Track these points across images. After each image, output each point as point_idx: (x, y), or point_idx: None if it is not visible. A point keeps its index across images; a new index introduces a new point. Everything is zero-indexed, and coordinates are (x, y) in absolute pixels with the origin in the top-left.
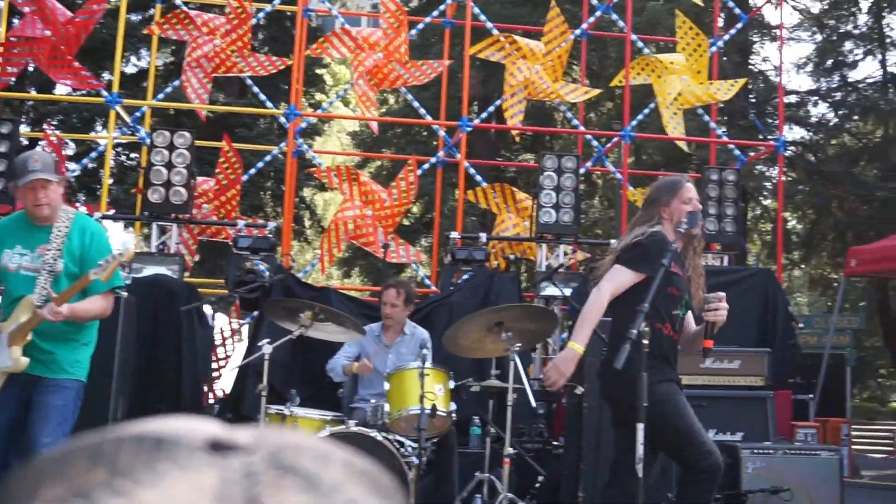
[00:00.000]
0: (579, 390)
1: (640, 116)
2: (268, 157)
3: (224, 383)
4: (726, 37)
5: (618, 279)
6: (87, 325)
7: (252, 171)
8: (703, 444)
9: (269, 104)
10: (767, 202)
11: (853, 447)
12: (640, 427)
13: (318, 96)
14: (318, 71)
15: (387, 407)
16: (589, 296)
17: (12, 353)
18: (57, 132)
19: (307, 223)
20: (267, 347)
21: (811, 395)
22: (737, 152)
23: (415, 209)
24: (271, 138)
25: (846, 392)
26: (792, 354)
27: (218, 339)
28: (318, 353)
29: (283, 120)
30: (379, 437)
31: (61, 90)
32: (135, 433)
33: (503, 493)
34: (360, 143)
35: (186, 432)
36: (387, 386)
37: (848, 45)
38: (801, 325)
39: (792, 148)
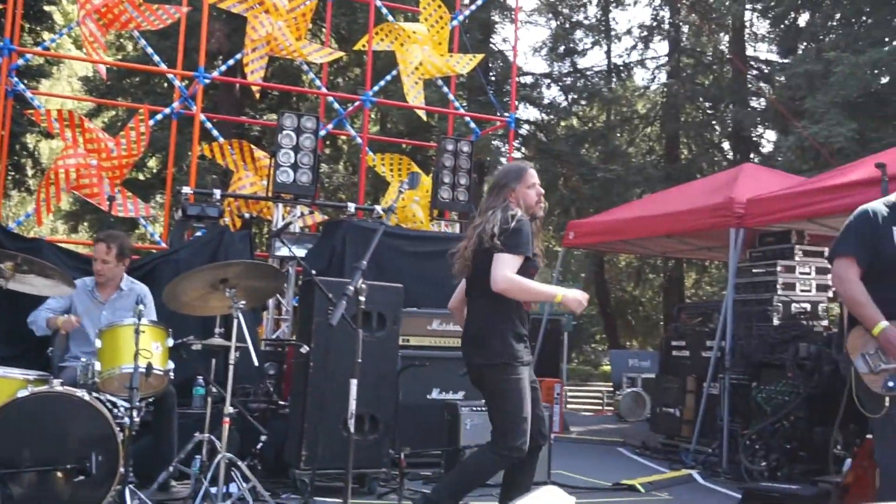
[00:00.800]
0: (305, 349)
1: (381, 83)
2: None
3: None
4: (467, 12)
5: (513, 266)
6: None
7: None
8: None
9: None
10: None
11: (568, 406)
12: (354, 383)
13: (46, 35)
14: (45, 7)
15: (98, 365)
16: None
17: None
18: None
19: (30, 172)
20: None
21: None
22: (472, 125)
23: (151, 163)
24: None
25: (562, 355)
26: None
27: None
28: (24, 310)
29: None
30: (87, 397)
31: None
32: None
33: (222, 452)
34: (93, 89)
35: None
36: (98, 343)
37: (579, 33)
38: None
39: (525, 127)
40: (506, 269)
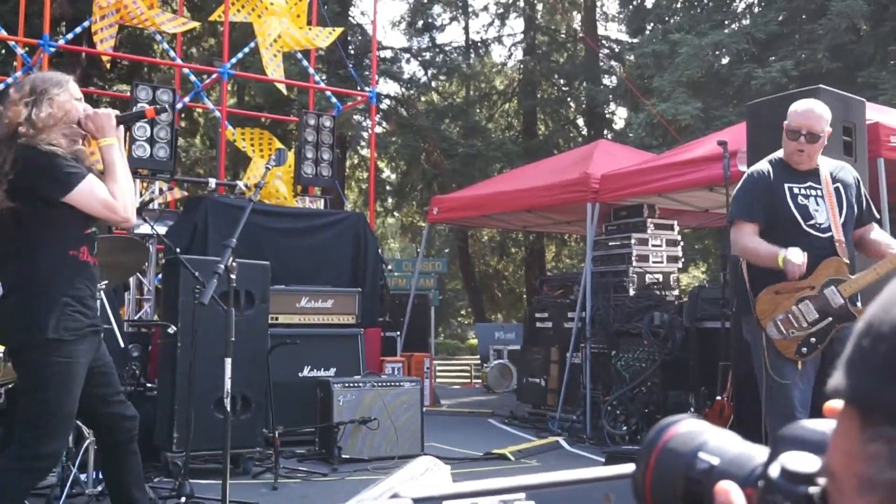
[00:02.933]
0: (172, 329)
1: (239, 55)
2: None
3: None
4: None
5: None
6: None
7: None
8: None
9: None
10: (364, 152)
11: (436, 380)
12: (228, 362)
13: None
14: None
15: None
16: None
17: None
18: None
19: None
20: None
21: (398, 333)
22: (334, 100)
23: None
24: None
25: (430, 330)
26: (381, 295)
27: None
28: None
29: None
30: None
31: None
32: None
33: (89, 437)
34: None
35: None
36: None
37: (437, 9)
38: (389, 268)
39: (386, 101)
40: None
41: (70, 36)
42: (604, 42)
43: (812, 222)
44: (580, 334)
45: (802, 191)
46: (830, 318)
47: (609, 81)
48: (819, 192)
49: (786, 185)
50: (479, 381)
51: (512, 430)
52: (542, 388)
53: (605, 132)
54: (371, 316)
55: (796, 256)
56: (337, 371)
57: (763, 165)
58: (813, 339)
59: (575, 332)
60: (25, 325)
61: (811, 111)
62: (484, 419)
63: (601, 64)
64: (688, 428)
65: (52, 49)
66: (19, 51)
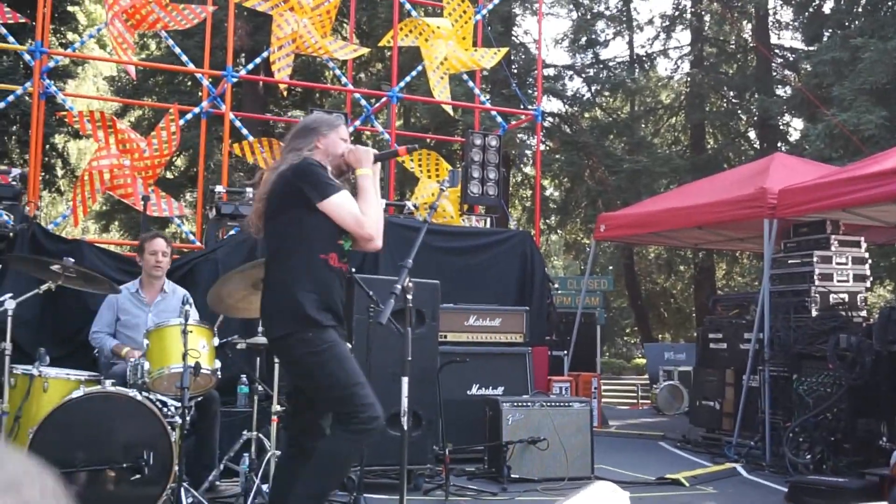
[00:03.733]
0: (347, 346)
1: (407, 78)
2: (10, 98)
3: None
4: (490, 6)
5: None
6: None
7: None
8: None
9: (10, 39)
10: (528, 169)
11: (602, 400)
12: (405, 381)
13: (71, 36)
14: (69, 8)
15: (147, 365)
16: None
17: None
18: None
19: (59, 172)
20: (10, 303)
21: (565, 352)
22: (499, 119)
23: (179, 162)
24: (15, 78)
25: (596, 349)
26: (548, 313)
27: None
28: (70, 310)
29: (27, 58)
30: (139, 397)
31: None
32: None
33: (271, 450)
34: (119, 89)
35: None
36: (146, 343)
37: (600, 24)
38: (556, 286)
39: (550, 119)
40: (350, 215)
41: (250, 66)
42: (777, 51)
43: None
44: (757, 356)
45: None
46: None
47: (783, 92)
48: None
49: None
50: (648, 402)
51: (685, 455)
52: (717, 411)
53: (780, 145)
54: (538, 334)
55: None
56: (505, 390)
57: None
58: None
59: (752, 354)
60: (282, 317)
61: None
62: (655, 442)
63: (774, 74)
64: None
65: (235, 79)
66: (205, 82)
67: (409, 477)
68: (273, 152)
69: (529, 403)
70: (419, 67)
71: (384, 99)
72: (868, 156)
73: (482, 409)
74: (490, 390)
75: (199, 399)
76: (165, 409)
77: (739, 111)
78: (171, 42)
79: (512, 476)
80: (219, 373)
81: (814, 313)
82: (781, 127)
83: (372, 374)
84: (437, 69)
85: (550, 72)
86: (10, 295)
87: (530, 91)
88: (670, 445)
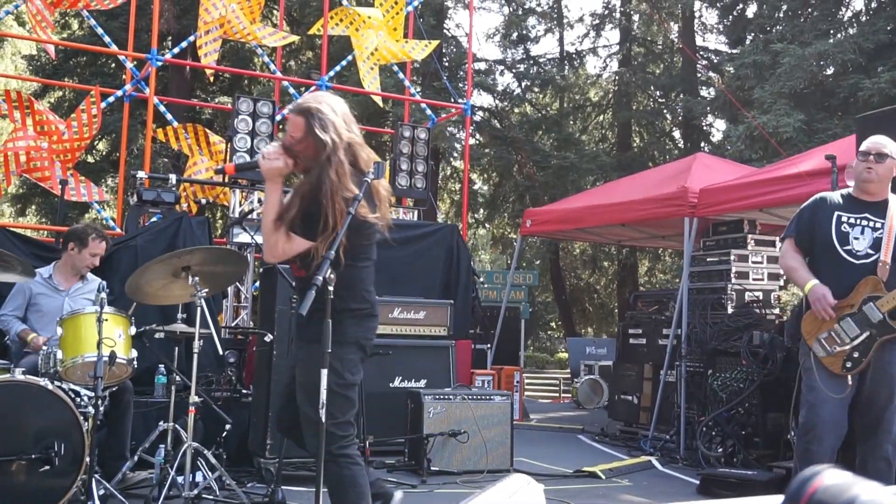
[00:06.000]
0: (268, 338)
1: (337, 67)
2: None
3: None
4: None
5: None
6: None
7: None
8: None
9: None
10: (457, 163)
11: (525, 393)
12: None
13: None
14: None
15: (60, 354)
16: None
17: None
18: None
19: None
20: None
21: (489, 345)
22: (429, 112)
23: (101, 146)
24: None
25: (520, 343)
26: (472, 307)
27: None
28: None
29: None
30: (50, 387)
31: None
32: None
33: (188, 441)
34: (38, 69)
35: None
36: (60, 331)
37: (531, 20)
38: (482, 280)
39: (479, 113)
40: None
41: (176, 50)
42: (702, 53)
43: (848, 248)
44: (675, 352)
45: (852, 220)
46: (870, 333)
47: (707, 93)
48: (873, 224)
49: (836, 213)
50: (569, 396)
51: (603, 448)
52: (635, 405)
53: (703, 145)
54: (462, 328)
55: (815, 292)
56: (427, 383)
57: (831, 193)
58: (856, 354)
59: (670, 350)
60: None
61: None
62: (574, 435)
63: (699, 75)
64: (833, 480)
65: (160, 63)
66: (128, 64)
67: (321, 469)
68: (198, 139)
69: (451, 396)
70: (349, 57)
71: (313, 88)
72: (785, 158)
73: (404, 401)
74: (412, 383)
75: (114, 389)
76: (78, 399)
77: (665, 111)
78: (93, 22)
79: (432, 469)
80: (135, 363)
81: (730, 310)
82: (705, 127)
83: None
84: (368, 59)
85: (481, 66)
86: None
87: (461, 85)
88: (588, 439)
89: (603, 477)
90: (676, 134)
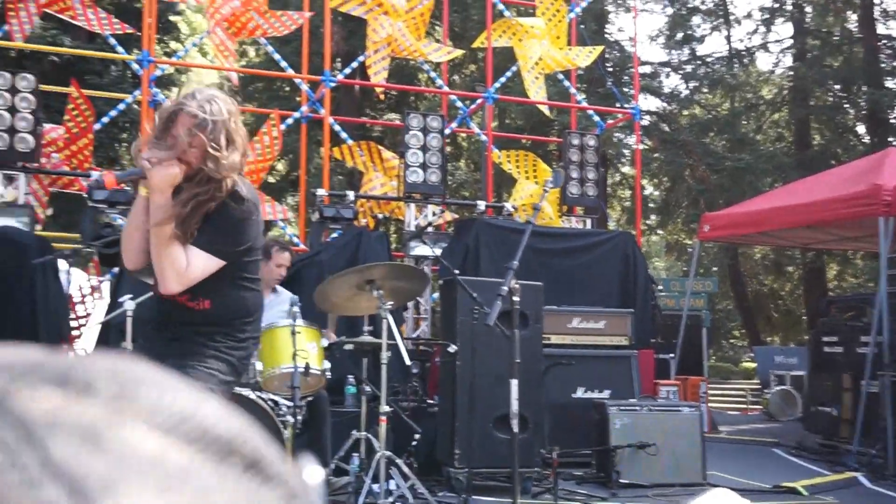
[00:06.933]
0: (452, 348)
1: (502, 79)
2: (121, 106)
3: (85, 342)
4: (583, 3)
5: None
6: None
7: (105, 119)
8: None
9: (119, 49)
10: (626, 169)
11: (710, 404)
12: (514, 383)
13: (174, 45)
14: (172, 18)
15: (259, 365)
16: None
17: None
18: None
19: None
20: (129, 304)
21: (671, 355)
22: (596, 118)
23: (279, 166)
24: (124, 87)
25: (703, 352)
26: (652, 315)
27: (77, 297)
28: None
29: (136, 67)
30: (252, 396)
31: None
32: None
33: (380, 450)
34: None
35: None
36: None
37: (696, 19)
38: (659, 288)
39: (647, 117)
40: None
41: (347, 71)
42: (885, 42)
43: None
44: (877, 361)
45: None
46: None
47: (893, 84)
48: None
49: None
50: (759, 407)
51: (800, 462)
52: (834, 417)
53: (890, 139)
54: (643, 337)
55: None
56: (611, 393)
57: None
58: None
59: (870, 359)
60: None
61: None
62: (768, 448)
63: (882, 65)
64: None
65: (333, 84)
66: (304, 87)
67: (517, 480)
68: (372, 156)
69: (637, 407)
70: (514, 68)
71: (480, 100)
72: None
73: (588, 412)
74: (596, 394)
75: (310, 399)
76: (277, 409)
77: (846, 105)
78: (270, 48)
79: (621, 481)
80: (328, 373)
81: None
82: (893, 120)
83: (476, 377)
84: (532, 69)
85: (646, 69)
86: (129, 296)
87: (626, 89)
88: (784, 452)
89: (805, 494)
90: (860, 129)
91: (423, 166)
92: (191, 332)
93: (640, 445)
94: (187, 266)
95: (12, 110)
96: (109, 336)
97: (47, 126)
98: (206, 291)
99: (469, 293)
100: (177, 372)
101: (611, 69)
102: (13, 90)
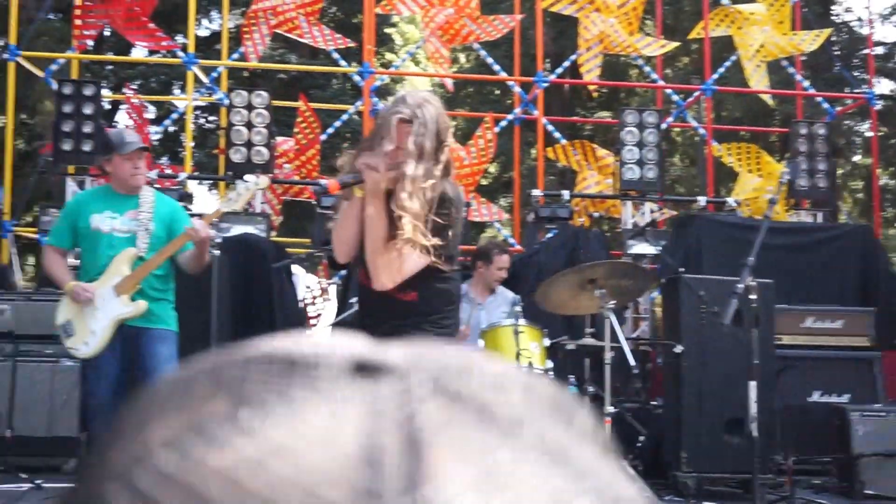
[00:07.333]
0: (678, 349)
1: (720, 70)
2: (344, 117)
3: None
4: None
5: None
6: (171, 284)
7: (329, 130)
8: None
9: (342, 63)
10: (856, 158)
11: None
12: (753, 385)
13: (388, 56)
14: (386, 30)
15: None
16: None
17: (124, 300)
18: (138, 95)
19: None
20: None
21: None
22: (825, 105)
23: (492, 168)
24: (345, 98)
25: None
26: None
27: (308, 299)
28: None
29: (357, 79)
30: None
31: (138, 54)
32: (264, 353)
33: None
34: None
35: (325, 352)
36: (481, 343)
37: None
38: None
39: (881, 102)
40: None
41: (559, 70)
42: None
43: None
44: None
45: None
46: None
47: None
48: None
49: None
50: None
51: None
52: None
53: None
54: (886, 337)
55: None
56: (851, 398)
57: None
58: None
59: None
60: None
61: None
62: None
63: None
64: None
65: (545, 84)
66: (516, 89)
67: (748, 486)
68: (586, 154)
69: (883, 413)
70: (733, 57)
71: (697, 93)
72: None
73: (825, 417)
74: (833, 398)
75: None
76: None
77: None
78: (483, 53)
79: (866, 492)
80: (551, 373)
81: None
82: None
83: (704, 379)
84: (753, 57)
85: (879, 50)
86: (357, 298)
87: (855, 74)
88: None
89: None
90: None
91: (640, 163)
92: (401, 323)
93: (888, 454)
94: (401, 264)
95: (249, 125)
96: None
97: (279, 139)
98: (412, 284)
99: (695, 292)
100: None
101: (838, 52)
102: (249, 106)
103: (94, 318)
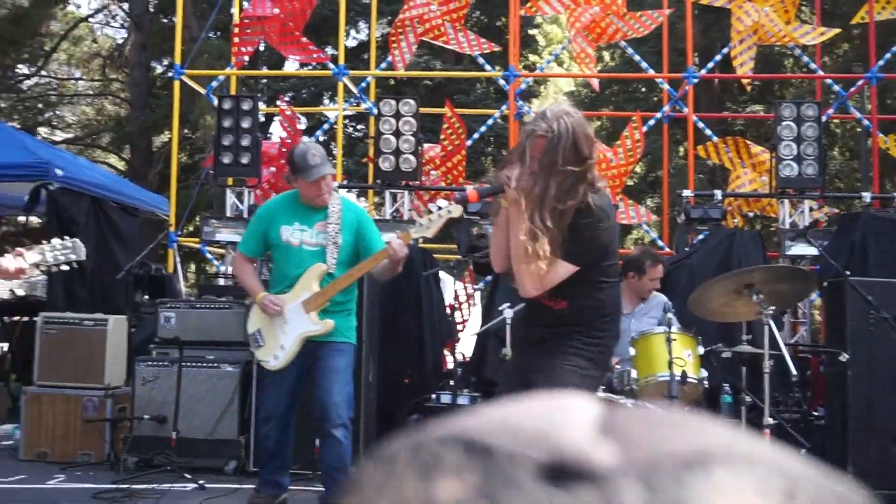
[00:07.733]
0: (843, 357)
1: (887, 55)
2: (489, 121)
3: (462, 347)
4: None
5: None
6: (354, 293)
7: (475, 135)
8: None
9: (488, 67)
10: None
11: None
12: None
13: (532, 58)
14: (529, 31)
15: (634, 373)
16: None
17: (312, 318)
18: (291, 107)
19: None
20: (508, 312)
21: None
22: None
23: (638, 168)
24: (488, 103)
25: None
26: None
27: (455, 304)
28: None
29: (502, 82)
30: (630, 405)
31: (290, 67)
32: (461, 437)
33: None
34: (577, 103)
35: (524, 444)
36: (632, 351)
37: None
38: None
39: None
40: None
41: (710, 65)
42: None
43: None
44: None
45: None
46: None
47: None
48: None
49: None
50: None
51: None
52: None
53: None
54: None
55: None
56: None
57: None
58: None
59: None
60: None
61: None
62: None
63: None
64: None
65: (695, 80)
66: (665, 85)
67: None
68: (739, 151)
69: None
70: None
71: (860, 82)
72: None
73: None
74: None
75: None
76: None
77: None
78: (630, 51)
79: None
80: (706, 382)
81: None
82: None
83: (873, 388)
84: None
85: None
86: (507, 304)
87: None
88: None
89: None
90: None
91: (798, 158)
92: (552, 331)
93: None
94: (545, 272)
95: (397, 133)
96: (487, 343)
97: (426, 145)
98: (564, 293)
99: (863, 295)
100: (544, 371)
101: None
102: (397, 115)
103: (284, 332)
